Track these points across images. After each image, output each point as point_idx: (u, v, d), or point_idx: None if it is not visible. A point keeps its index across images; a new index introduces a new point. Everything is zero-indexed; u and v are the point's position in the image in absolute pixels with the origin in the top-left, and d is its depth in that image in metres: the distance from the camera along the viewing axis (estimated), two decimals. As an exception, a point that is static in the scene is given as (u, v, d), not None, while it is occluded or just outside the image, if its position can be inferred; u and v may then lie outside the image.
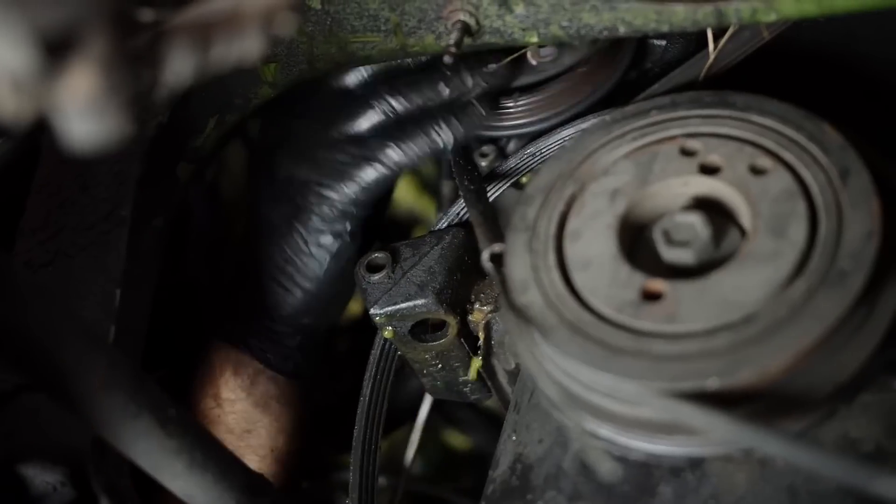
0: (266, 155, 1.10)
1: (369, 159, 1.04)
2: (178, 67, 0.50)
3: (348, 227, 1.08)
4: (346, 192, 1.06)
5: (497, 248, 0.93)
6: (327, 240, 1.08)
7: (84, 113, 0.45)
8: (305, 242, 1.08)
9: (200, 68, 0.50)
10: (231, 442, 1.10)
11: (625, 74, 1.06)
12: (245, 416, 1.12)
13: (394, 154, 1.04)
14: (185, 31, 0.50)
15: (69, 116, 0.45)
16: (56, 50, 0.43)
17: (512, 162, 1.02)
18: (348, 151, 1.05)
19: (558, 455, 0.82)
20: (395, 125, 1.04)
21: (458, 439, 1.68)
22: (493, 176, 1.05)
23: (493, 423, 1.55)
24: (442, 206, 1.31)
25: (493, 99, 1.05)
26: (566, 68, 1.05)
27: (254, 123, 1.45)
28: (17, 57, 0.42)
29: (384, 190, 1.08)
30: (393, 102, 1.03)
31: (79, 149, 0.48)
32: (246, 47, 0.51)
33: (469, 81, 1.01)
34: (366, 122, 1.04)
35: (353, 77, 1.05)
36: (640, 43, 1.05)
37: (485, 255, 0.93)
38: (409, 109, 1.03)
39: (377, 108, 1.03)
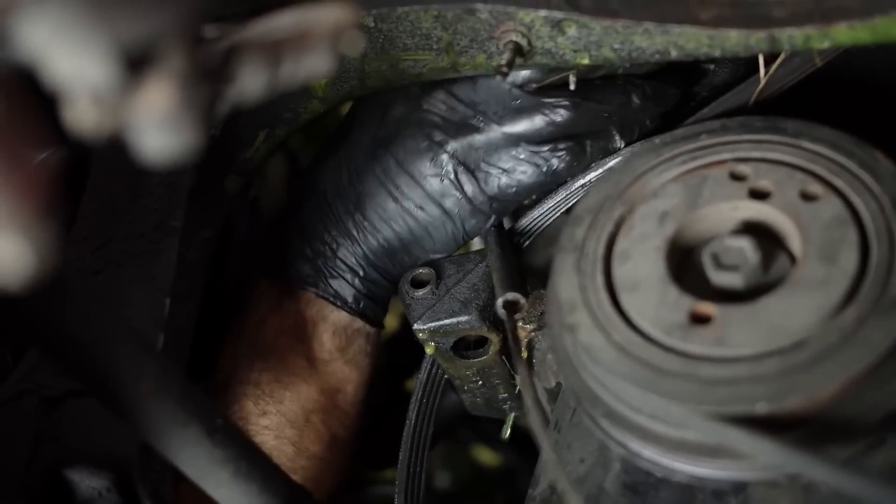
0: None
1: (536, 163, 1.01)
2: (248, 83, 0.51)
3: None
4: (494, 181, 1.02)
5: (511, 296, 0.95)
6: (437, 185, 1.04)
7: (159, 127, 0.46)
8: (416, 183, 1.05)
9: (270, 85, 0.51)
10: (321, 402, 1.09)
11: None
12: (337, 376, 1.11)
13: (557, 162, 1.01)
14: (255, 48, 0.51)
15: (144, 130, 0.46)
16: (134, 65, 0.44)
17: (562, 193, 1.02)
18: (507, 150, 1.01)
19: (599, 475, 0.82)
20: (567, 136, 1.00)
21: (488, 455, 1.68)
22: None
23: (524, 441, 1.55)
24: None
25: None
26: None
27: (296, 138, 1.47)
28: (100, 72, 0.43)
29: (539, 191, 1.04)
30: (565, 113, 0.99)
31: (150, 161, 0.49)
32: (314, 65, 0.52)
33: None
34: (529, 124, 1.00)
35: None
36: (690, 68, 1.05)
37: (499, 303, 0.95)
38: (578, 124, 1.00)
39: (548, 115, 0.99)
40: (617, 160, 0.98)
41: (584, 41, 0.89)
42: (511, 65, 0.90)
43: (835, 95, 0.94)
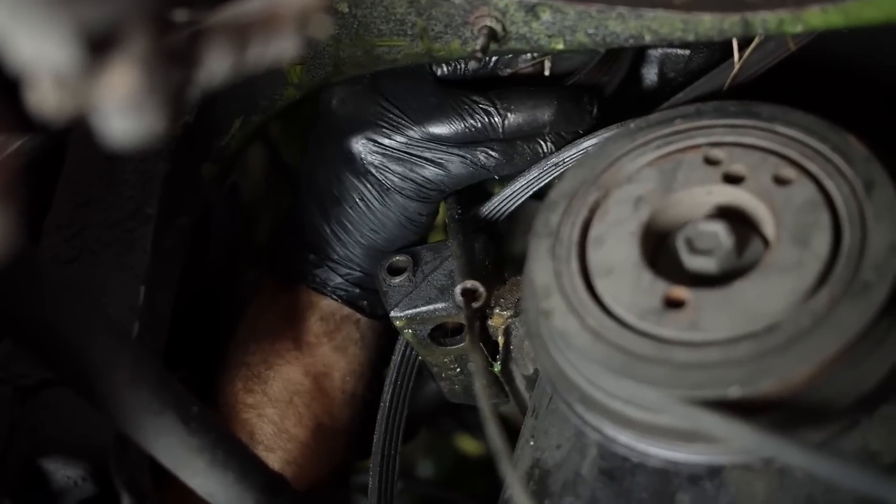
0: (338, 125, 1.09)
1: (463, 158, 1.04)
2: (215, 67, 0.50)
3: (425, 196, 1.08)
4: (426, 173, 1.05)
5: (469, 284, 0.95)
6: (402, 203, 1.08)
7: (123, 110, 0.45)
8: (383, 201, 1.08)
9: (236, 68, 0.51)
10: (305, 385, 1.11)
11: (622, 85, 1.06)
12: (323, 360, 1.13)
13: (485, 160, 1.04)
14: (222, 31, 0.51)
15: (108, 113, 0.46)
16: (98, 47, 0.44)
17: (534, 171, 1.02)
18: (434, 147, 1.04)
19: (576, 461, 0.82)
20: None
21: (471, 444, 1.69)
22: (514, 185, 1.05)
23: (507, 429, 1.55)
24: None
25: None
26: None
27: (275, 126, 1.46)
28: (61, 54, 0.42)
29: (469, 182, 1.07)
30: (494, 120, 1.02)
31: (116, 145, 0.48)
32: (281, 48, 0.52)
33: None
34: (455, 127, 1.03)
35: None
36: (637, 54, 1.05)
37: (457, 290, 0.95)
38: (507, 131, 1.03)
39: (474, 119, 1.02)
40: (592, 144, 0.98)
41: (559, 26, 0.89)
42: (486, 50, 0.90)
43: (809, 80, 0.94)
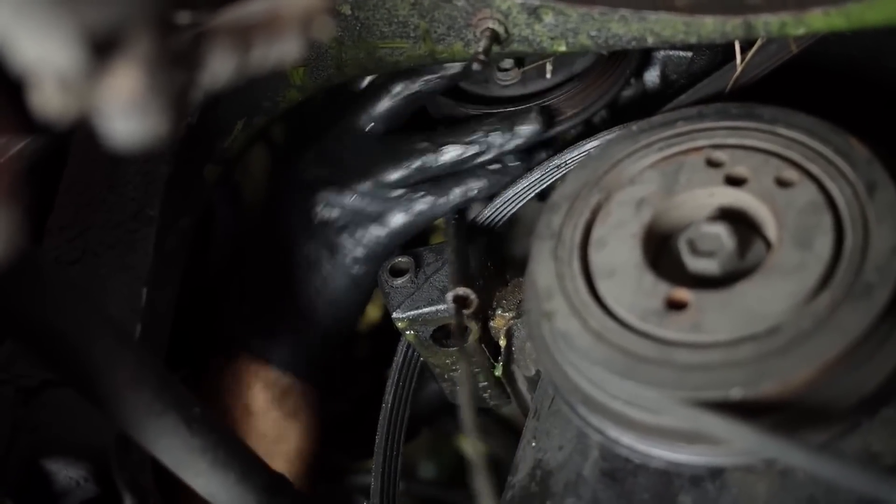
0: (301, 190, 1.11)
1: (401, 207, 1.07)
2: (218, 69, 0.51)
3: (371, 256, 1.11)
4: (372, 233, 1.09)
5: (461, 290, 0.95)
6: (349, 264, 1.11)
7: (126, 112, 0.46)
8: (332, 262, 1.10)
9: (239, 70, 0.51)
10: (263, 447, 1.11)
11: (623, 89, 1.06)
12: (276, 426, 1.14)
13: (423, 206, 1.07)
14: (225, 34, 0.51)
15: (111, 115, 0.46)
16: (101, 49, 0.44)
17: (536, 173, 1.02)
18: (380, 196, 1.07)
19: (578, 462, 0.82)
20: (430, 178, 1.06)
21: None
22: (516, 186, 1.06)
23: (509, 430, 1.55)
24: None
25: None
26: (565, 80, 1.05)
27: (277, 128, 1.46)
28: (65, 55, 0.42)
29: (412, 233, 1.11)
30: (430, 157, 1.05)
31: (119, 147, 0.49)
32: (284, 50, 0.52)
33: (500, 141, 1.03)
34: (399, 172, 1.06)
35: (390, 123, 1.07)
36: (643, 56, 1.06)
37: (448, 296, 0.95)
38: (443, 166, 1.05)
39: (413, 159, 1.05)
40: (594, 146, 0.98)
41: (561, 28, 0.89)
42: (488, 52, 0.90)
43: (811, 82, 0.94)
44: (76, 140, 1.07)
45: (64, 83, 0.43)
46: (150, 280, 0.97)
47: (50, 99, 0.44)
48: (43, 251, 1.00)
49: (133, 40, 0.45)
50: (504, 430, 1.52)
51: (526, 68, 1.05)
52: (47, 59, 0.42)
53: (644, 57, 1.07)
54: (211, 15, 0.54)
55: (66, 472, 0.89)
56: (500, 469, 1.60)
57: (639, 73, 1.08)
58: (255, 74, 0.52)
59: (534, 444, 0.88)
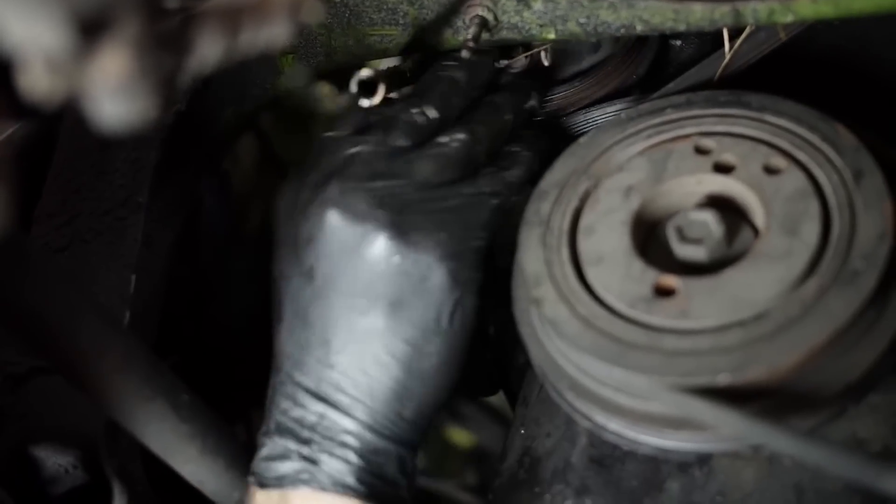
0: None
1: None
2: (207, 52, 0.50)
3: None
4: None
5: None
6: None
7: (114, 94, 0.46)
8: None
9: (228, 54, 0.51)
10: None
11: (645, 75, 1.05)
12: None
13: None
14: (213, 17, 0.51)
15: (100, 97, 0.46)
16: (90, 31, 0.44)
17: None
18: None
19: (567, 449, 0.82)
20: None
21: (460, 435, 1.69)
22: None
23: (497, 420, 1.56)
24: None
25: None
26: (586, 69, 1.04)
27: (266, 116, 1.46)
28: (53, 36, 0.42)
29: None
30: None
31: (107, 130, 0.48)
32: (273, 34, 0.52)
33: None
34: None
35: None
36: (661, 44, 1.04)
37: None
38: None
39: None
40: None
41: (550, 15, 0.89)
42: (477, 40, 0.90)
43: (799, 70, 0.94)
44: (64, 128, 1.07)
45: (52, 64, 0.43)
46: (138, 267, 0.97)
47: (38, 80, 0.44)
48: (31, 238, 1.00)
49: (122, 22, 0.45)
50: (490, 420, 1.53)
51: (516, 61, 1.04)
52: (35, 39, 0.42)
53: (662, 48, 1.04)
54: (200, -1, 0.54)
55: (54, 460, 0.89)
56: (486, 459, 1.61)
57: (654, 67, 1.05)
58: (243, 58, 0.52)
59: (522, 431, 0.88)
